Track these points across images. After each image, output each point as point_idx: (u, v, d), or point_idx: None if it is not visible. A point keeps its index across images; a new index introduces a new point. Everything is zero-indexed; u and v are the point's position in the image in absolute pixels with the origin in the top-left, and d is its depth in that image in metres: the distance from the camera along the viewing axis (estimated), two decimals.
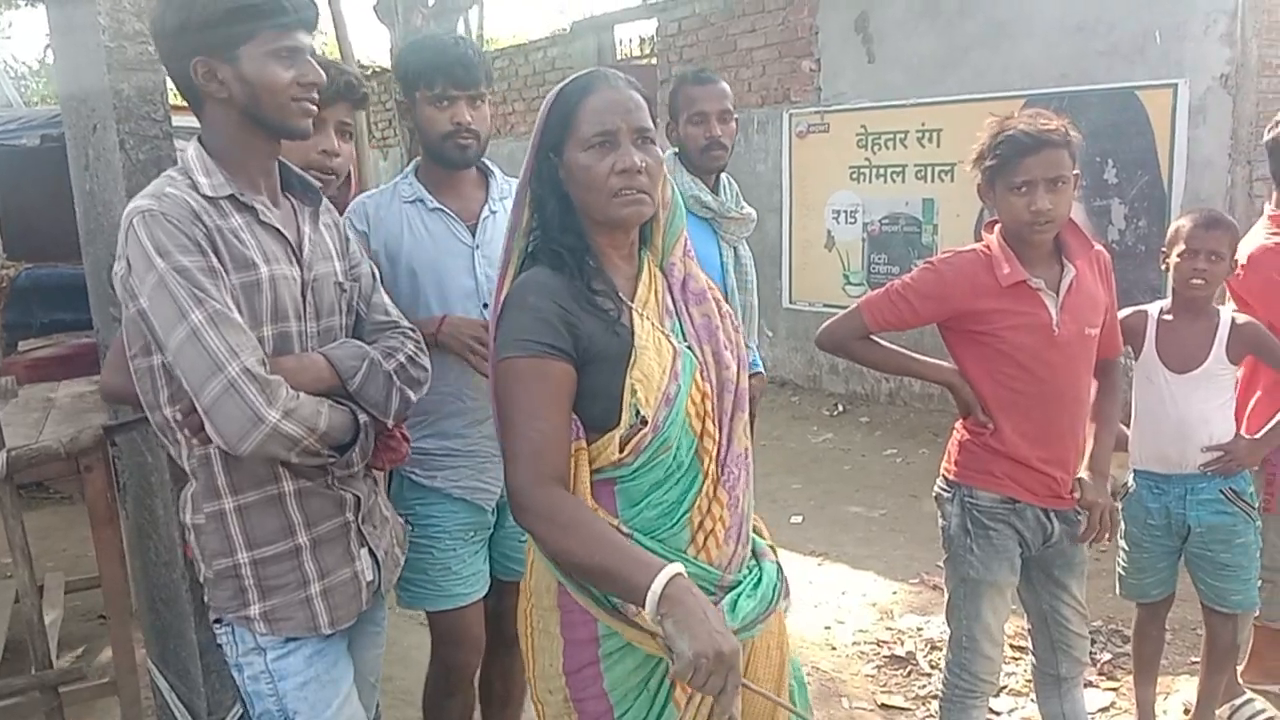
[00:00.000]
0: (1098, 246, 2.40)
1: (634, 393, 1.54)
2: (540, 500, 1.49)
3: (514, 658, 2.64)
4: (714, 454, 1.62)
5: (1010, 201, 2.21)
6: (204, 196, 1.59)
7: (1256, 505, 2.76)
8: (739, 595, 1.62)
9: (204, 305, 1.50)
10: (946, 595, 2.45)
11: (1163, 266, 2.78)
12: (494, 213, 2.33)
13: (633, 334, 1.58)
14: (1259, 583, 2.79)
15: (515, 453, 1.53)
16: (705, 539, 1.60)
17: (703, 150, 2.67)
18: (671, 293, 1.70)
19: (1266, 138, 3.03)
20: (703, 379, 1.63)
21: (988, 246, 2.29)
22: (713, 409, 1.63)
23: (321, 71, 1.66)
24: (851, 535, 4.94)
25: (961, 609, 2.38)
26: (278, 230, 1.69)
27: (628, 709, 1.62)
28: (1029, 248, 2.24)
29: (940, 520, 2.43)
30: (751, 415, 2.74)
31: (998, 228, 2.31)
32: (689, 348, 1.65)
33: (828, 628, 3.90)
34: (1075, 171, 2.22)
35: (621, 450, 1.54)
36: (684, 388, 1.59)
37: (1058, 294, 2.24)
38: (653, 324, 1.61)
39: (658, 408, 1.55)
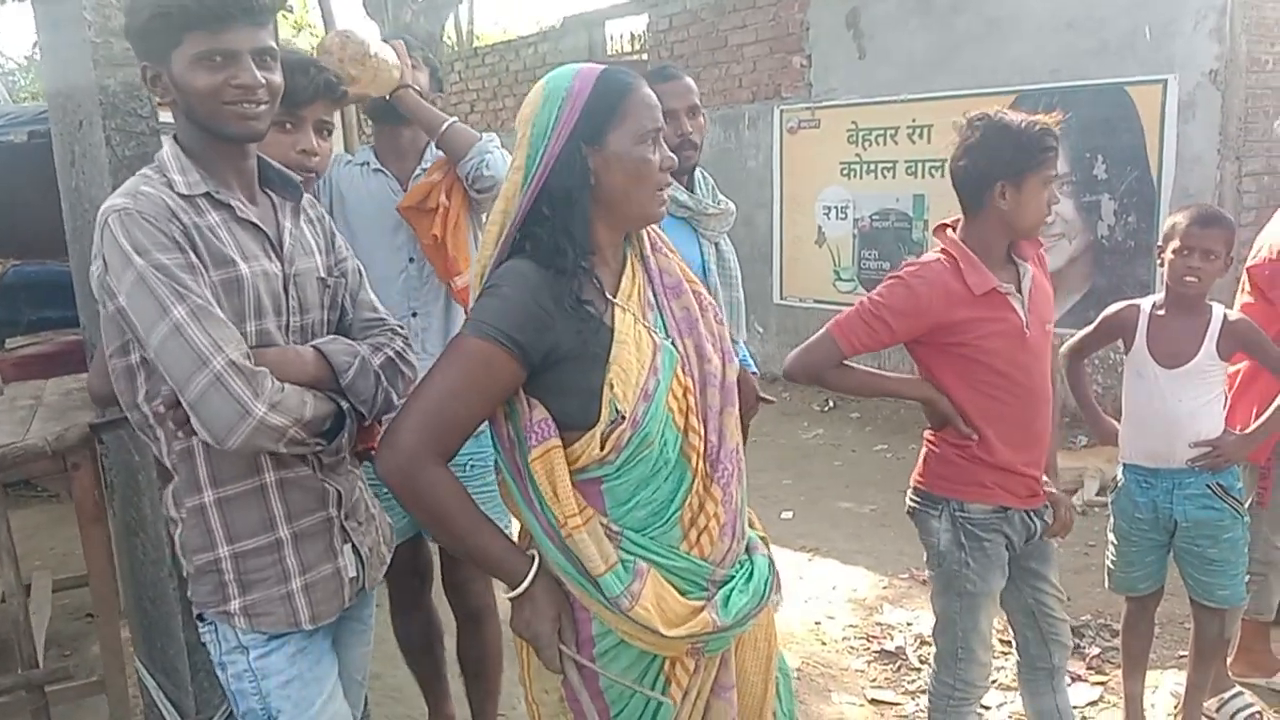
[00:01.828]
0: (1042, 247, 2.40)
1: (612, 388, 1.53)
2: (422, 475, 1.50)
3: (483, 629, 2.81)
4: (701, 451, 1.61)
5: (1039, 199, 2.16)
6: (179, 194, 1.58)
7: (1246, 501, 2.77)
8: (731, 590, 1.62)
9: (186, 300, 1.50)
10: (936, 613, 2.39)
11: (1158, 262, 2.78)
12: (424, 170, 2.60)
13: (613, 330, 1.56)
14: (1247, 577, 2.81)
15: (417, 412, 1.52)
16: (699, 535, 1.60)
17: (675, 149, 2.63)
18: (653, 286, 1.68)
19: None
20: (684, 373, 1.62)
21: (948, 254, 2.23)
22: (696, 404, 1.62)
23: (257, 73, 1.59)
24: (842, 531, 4.95)
25: (957, 623, 2.32)
26: (256, 226, 1.68)
27: (624, 707, 1.62)
28: (993, 250, 2.22)
29: (926, 537, 2.36)
30: (750, 414, 2.75)
31: (958, 231, 2.27)
32: (670, 342, 1.63)
33: (818, 623, 3.91)
34: None
35: (603, 447, 1.53)
36: (664, 383, 1.58)
37: (1022, 294, 2.23)
38: (635, 317, 1.59)
39: (636, 403, 1.53)
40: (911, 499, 2.39)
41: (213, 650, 1.73)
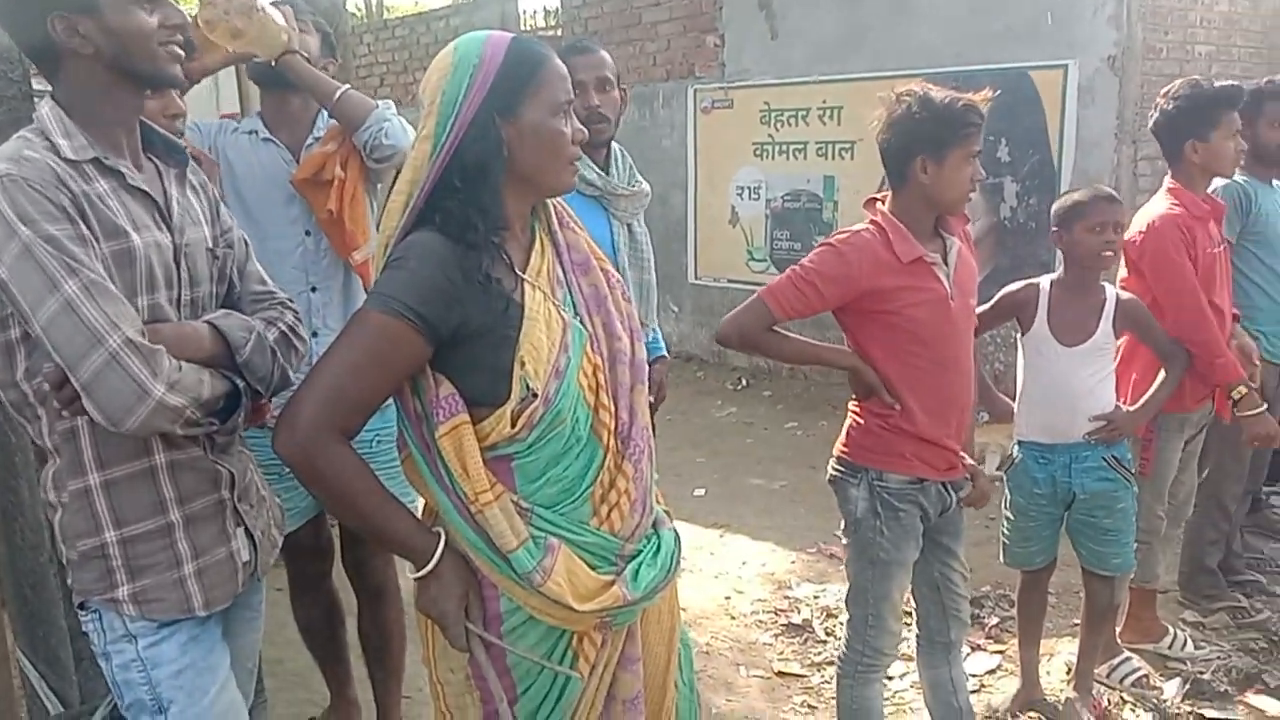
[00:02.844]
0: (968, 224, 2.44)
1: (523, 365, 1.51)
2: (320, 451, 1.46)
3: (384, 607, 2.78)
4: (612, 428, 1.60)
5: (962, 173, 2.19)
6: (65, 160, 1.50)
7: (1134, 471, 2.87)
8: (640, 564, 1.63)
9: (78, 275, 1.42)
10: (850, 580, 2.42)
11: (1057, 245, 2.82)
12: (317, 139, 2.52)
13: (523, 307, 1.54)
14: (1135, 545, 2.91)
15: (318, 389, 1.47)
16: (609, 511, 1.60)
17: (583, 123, 2.60)
18: (561, 262, 1.66)
19: (1151, 122, 3.14)
20: (593, 351, 1.61)
21: (876, 224, 2.26)
22: (605, 381, 1.61)
23: (184, 12, 1.61)
24: (752, 507, 5.00)
25: (869, 591, 2.35)
26: (145, 194, 1.60)
27: (530, 684, 1.61)
28: (916, 223, 2.25)
29: (844, 505, 2.38)
30: (659, 400, 2.74)
31: (887, 204, 2.29)
32: (579, 320, 1.61)
33: (728, 598, 3.95)
34: None
35: (514, 425, 1.51)
36: (574, 360, 1.56)
37: (948, 267, 2.26)
38: (544, 294, 1.57)
39: (547, 381, 1.52)
40: (834, 468, 2.42)
41: (95, 639, 1.65)
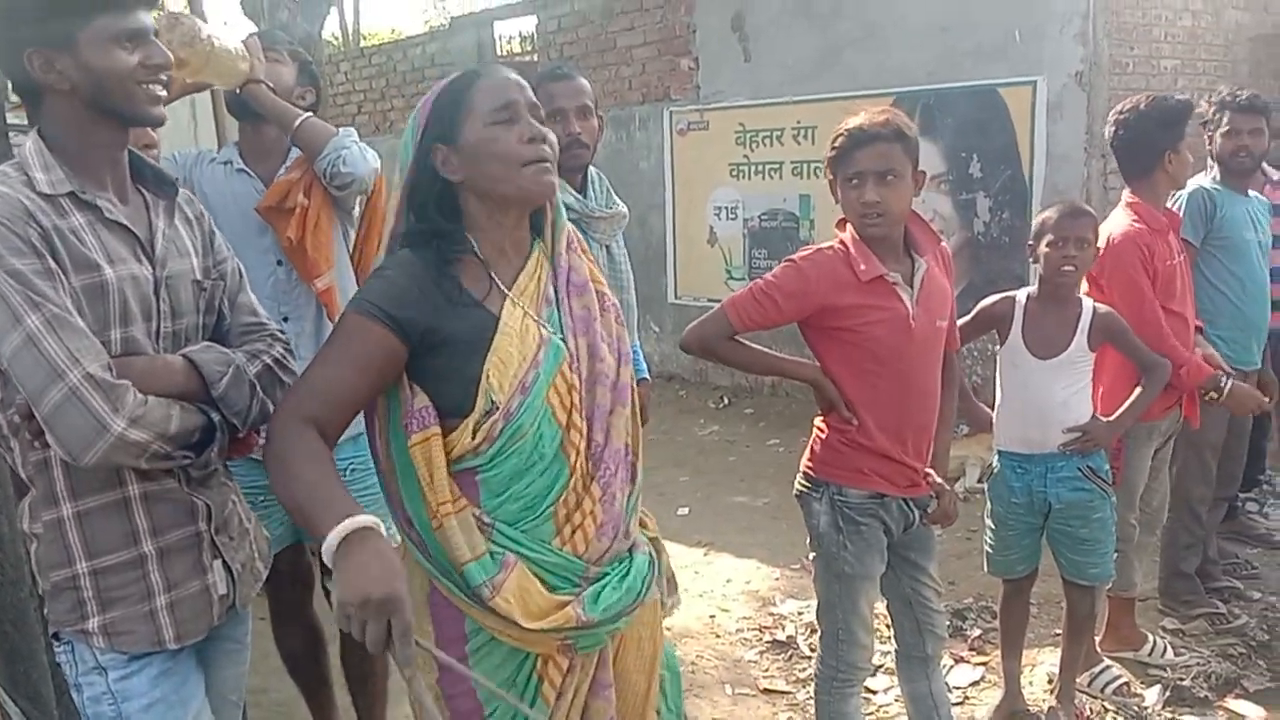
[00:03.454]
0: (943, 243, 2.47)
1: (488, 378, 1.54)
2: (280, 432, 1.51)
3: None
4: (582, 448, 1.61)
5: (845, 194, 2.27)
6: (40, 194, 1.51)
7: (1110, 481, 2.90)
8: (603, 587, 1.63)
9: (41, 309, 1.43)
10: (819, 595, 2.44)
11: (1031, 259, 2.89)
12: (286, 168, 2.52)
13: (499, 320, 1.57)
14: (1115, 555, 2.94)
15: (296, 384, 1.61)
16: (573, 532, 1.60)
17: (563, 149, 2.62)
18: (555, 284, 1.68)
19: (1112, 138, 3.20)
20: (571, 370, 1.62)
21: (842, 243, 2.30)
22: (580, 402, 1.62)
23: (168, 52, 1.61)
24: (736, 525, 5.01)
25: (837, 605, 2.38)
26: (124, 227, 1.61)
27: (496, 705, 1.62)
28: (879, 242, 2.27)
29: (808, 519, 2.41)
30: (642, 424, 2.76)
31: (849, 224, 2.34)
32: (560, 339, 1.63)
33: (713, 617, 3.95)
34: (921, 169, 2.27)
35: (474, 437, 1.54)
36: (544, 377, 1.58)
37: (912, 288, 2.29)
38: (524, 311, 1.60)
39: (511, 395, 1.54)
40: (799, 483, 2.45)
41: (68, 671, 1.66)
